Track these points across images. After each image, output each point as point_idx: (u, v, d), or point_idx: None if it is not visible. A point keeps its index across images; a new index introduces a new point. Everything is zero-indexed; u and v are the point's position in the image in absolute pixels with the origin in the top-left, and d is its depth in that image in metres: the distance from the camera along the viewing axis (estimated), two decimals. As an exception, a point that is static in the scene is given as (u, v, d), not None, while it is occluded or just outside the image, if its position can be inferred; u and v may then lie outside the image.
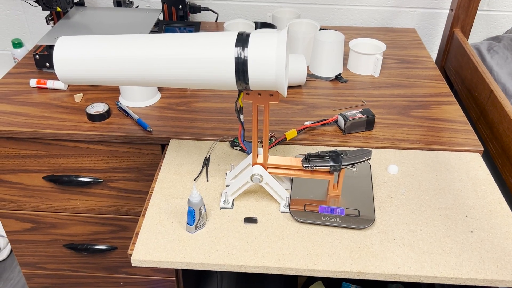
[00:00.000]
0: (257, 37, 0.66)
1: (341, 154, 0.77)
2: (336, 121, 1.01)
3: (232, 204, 0.81)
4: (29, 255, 1.23)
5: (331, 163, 0.77)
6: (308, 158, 0.78)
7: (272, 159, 0.80)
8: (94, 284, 1.28)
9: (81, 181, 1.06)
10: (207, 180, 0.87)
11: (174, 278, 1.22)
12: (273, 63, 0.65)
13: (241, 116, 0.76)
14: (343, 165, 0.76)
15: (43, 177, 1.07)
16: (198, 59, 0.67)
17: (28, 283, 1.30)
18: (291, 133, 0.96)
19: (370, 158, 0.77)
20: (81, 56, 0.69)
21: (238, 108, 0.75)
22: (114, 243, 1.19)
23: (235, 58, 0.65)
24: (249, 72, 0.66)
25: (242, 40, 0.66)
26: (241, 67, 0.66)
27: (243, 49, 0.65)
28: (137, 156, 1.02)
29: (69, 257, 1.22)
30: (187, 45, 0.67)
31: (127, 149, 1.01)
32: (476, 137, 0.98)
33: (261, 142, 0.94)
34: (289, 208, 0.80)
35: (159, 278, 1.23)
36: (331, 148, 0.95)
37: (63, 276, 1.27)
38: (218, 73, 0.67)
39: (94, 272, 1.26)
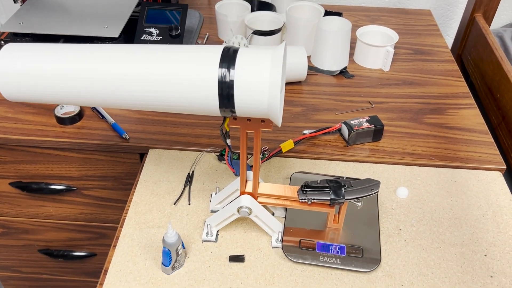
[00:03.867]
0: (246, 54, 0.53)
1: (344, 185, 0.66)
2: (339, 130, 0.89)
3: (216, 236, 0.71)
4: (3, 259, 1.14)
5: (332, 196, 0.65)
6: (305, 189, 0.66)
7: (264, 188, 0.68)
8: (74, 287, 1.20)
9: (52, 188, 0.95)
10: (189, 204, 0.76)
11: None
12: (266, 88, 0.52)
13: (228, 141, 0.64)
14: (346, 199, 0.65)
15: (10, 183, 0.96)
16: (171, 80, 0.54)
17: (4, 285, 1.22)
18: (287, 145, 0.84)
19: (377, 192, 0.66)
20: (30, 70, 0.56)
21: (224, 132, 0.62)
22: (93, 250, 1.09)
23: (219, 81, 0.53)
24: (236, 98, 0.53)
25: (228, 57, 0.53)
26: (225, 91, 0.53)
27: (228, 70, 0.52)
28: (113, 165, 0.90)
29: (45, 262, 1.14)
30: (159, 61, 0.54)
31: (101, 157, 0.89)
32: (498, 152, 0.86)
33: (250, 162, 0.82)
34: (281, 243, 0.69)
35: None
36: (332, 165, 0.83)
37: (40, 279, 1.19)
38: (197, 98, 0.54)
39: (74, 276, 1.17)
